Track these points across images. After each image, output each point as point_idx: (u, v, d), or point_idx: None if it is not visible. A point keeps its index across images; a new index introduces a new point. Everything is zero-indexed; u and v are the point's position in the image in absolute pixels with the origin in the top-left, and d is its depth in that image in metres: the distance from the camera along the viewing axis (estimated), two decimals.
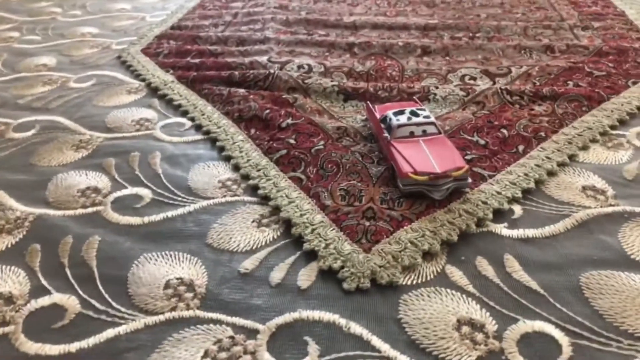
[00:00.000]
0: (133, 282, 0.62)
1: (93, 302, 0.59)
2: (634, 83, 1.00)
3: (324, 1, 1.59)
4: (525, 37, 1.26)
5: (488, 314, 0.56)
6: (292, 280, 0.61)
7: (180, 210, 0.73)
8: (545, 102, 0.95)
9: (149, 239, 0.68)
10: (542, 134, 0.86)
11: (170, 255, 0.65)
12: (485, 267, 0.62)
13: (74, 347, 0.54)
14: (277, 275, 0.62)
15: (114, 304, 0.59)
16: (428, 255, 0.63)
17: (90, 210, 0.74)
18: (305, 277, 0.61)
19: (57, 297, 0.60)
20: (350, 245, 0.64)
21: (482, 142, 0.84)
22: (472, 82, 1.04)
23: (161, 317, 0.57)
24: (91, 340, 0.55)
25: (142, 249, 0.66)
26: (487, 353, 0.52)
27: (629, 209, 0.69)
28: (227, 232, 0.69)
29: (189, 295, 0.60)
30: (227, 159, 0.84)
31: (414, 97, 0.97)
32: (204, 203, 0.74)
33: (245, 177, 0.79)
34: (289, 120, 0.90)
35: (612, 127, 0.88)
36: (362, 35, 1.31)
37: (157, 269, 0.63)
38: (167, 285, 0.61)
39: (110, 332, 0.55)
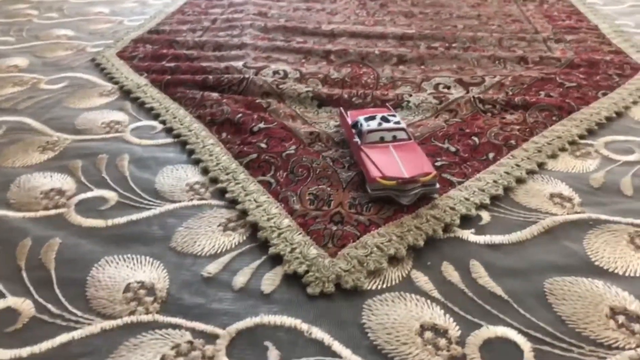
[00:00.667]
0: (92, 285, 0.60)
1: (49, 306, 0.57)
2: (604, 94, 1.02)
3: (303, 9, 1.60)
4: (500, 48, 1.27)
5: (452, 319, 0.55)
6: (256, 284, 0.60)
7: (145, 214, 0.72)
8: (517, 111, 0.96)
9: (112, 242, 0.67)
10: (513, 142, 0.86)
11: (133, 259, 0.64)
12: (451, 272, 0.61)
13: (25, 351, 0.52)
14: (240, 279, 0.61)
15: (70, 307, 0.57)
16: (394, 260, 0.63)
17: (52, 212, 0.72)
18: (270, 281, 0.60)
19: (11, 301, 0.58)
20: (316, 249, 0.64)
21: (452, 149, 0.84)
22: (445, 90, 1.05)
23: (119, 322, 0.55)
24: (44, 345, 0.53)
25: (104, 252, 0.65)
26: (449, 358, 0.51)
27: (594, 216, 0.70)
28: (192, 235, 0.67)
29: (149, 299, 0.58)
30: (197, 162, 0.83)
31: (387, 104, 0.97)
32: (170, 206, 0.73)
33: (214, 181, 0.78)
34: (261, 125, 0.90)
35: (581, 137, 0.89)
36: (339, 43, 1.31)
37: (118, 272, 0.62)
38: (127, 289, 0.59)
39: (64, 337, 0.53)
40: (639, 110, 0.98)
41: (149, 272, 0.62)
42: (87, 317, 0.56)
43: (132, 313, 0.56)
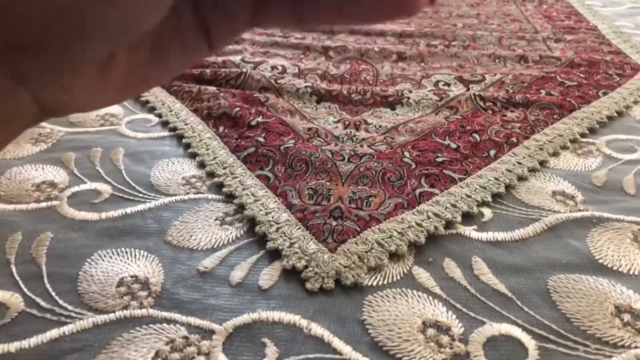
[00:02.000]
0: (84, 279, 0.58)
1: (38, 300, 0.55)
2: (605, 94, 1.01)
3: None
4: (499, 47, 1.26)
5: (454, 316, 0.54)
6: (254, 279, 0.58)
7: (140, 207, 0.70)
8: (518, 108, 0.95)
9: (105, 235, 0.65)
10: (514, 139, 0.85)
11: (126, 252, 0.62)
12: (452, 269, 0.60)
13: (13, 347, 0.50)
14: (237, 274, 0.59)
15: (60, 302, 0.55)
16: (395, 256, 0.61)
17: (44, 204, 0.70)
18: (268, 276, 0.59)
19: None
20: (315, 244, 0.62)
21: (453, 145, 0.83)
22: (445, 87, 1.04)
23: (111, 316, 0.53)
24: (33, 340, 0.51)
25: (97, 246, 0.63)
26: (452, 356, 0.50)
27: (597, 214, 0.69)
28: (188, 229, 0.66)
29: (143, 293, 0.56)
30: (193, 156, 0.81)
31: None
32: (166, 200, 0.71)
33: (211, 175, 0.76)
34: (259, 119, 0.88)
35: (582, 135, 0.88)
36: (338, 40, 1.30)
37: (111, 267, 0.60)
38: (120, 283, 0.57)
39: (54, 332, 0.51)
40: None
41: (143, 266, 0.60)
42: (79, 311, 0.54)
43: (125, 307, 0.54)
